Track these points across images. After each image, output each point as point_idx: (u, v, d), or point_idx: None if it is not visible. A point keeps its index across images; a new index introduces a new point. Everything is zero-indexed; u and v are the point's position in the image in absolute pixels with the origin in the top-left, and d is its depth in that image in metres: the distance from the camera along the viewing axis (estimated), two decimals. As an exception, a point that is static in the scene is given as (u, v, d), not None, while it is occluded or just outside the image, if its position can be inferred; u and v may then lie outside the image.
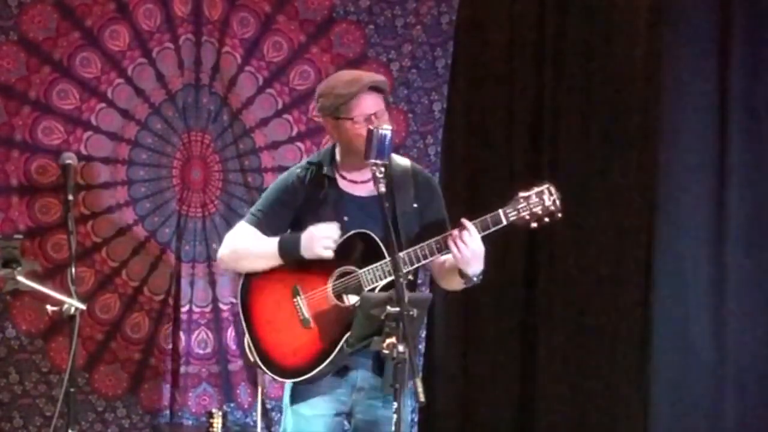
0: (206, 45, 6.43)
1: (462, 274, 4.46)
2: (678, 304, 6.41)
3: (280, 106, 6.56)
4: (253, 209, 4.64)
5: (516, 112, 6.76)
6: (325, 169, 4.55)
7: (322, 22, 6.56)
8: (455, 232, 4.40)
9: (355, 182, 4.52)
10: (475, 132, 6.79)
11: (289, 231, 4.59)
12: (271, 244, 4.49)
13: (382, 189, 4.22)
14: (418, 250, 4.42)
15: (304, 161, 4.69)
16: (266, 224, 4.56)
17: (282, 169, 6.46)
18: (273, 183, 4.70)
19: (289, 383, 4.57)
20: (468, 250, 4.39)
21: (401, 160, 4.64)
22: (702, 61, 6.40)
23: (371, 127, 4.31)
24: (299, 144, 6.57)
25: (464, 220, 4.42)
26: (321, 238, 4.42)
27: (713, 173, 6.39)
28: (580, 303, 6.60)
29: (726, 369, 6.34)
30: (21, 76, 6.26)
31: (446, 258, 4.51)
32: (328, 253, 4.42)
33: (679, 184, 6.43)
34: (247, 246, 4.54)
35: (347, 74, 4.63)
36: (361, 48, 6.59)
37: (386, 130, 4.30)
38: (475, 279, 4.47)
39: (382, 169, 4.25)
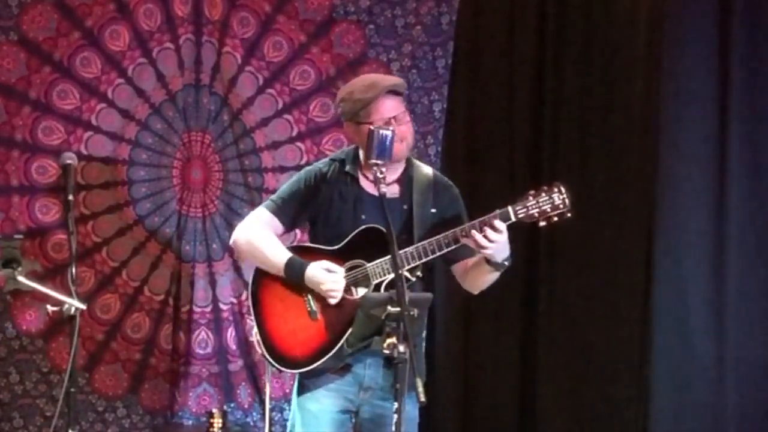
0: (206, 45, 6.44)
1: (489, 262, 4.47)
2: (678, 304, 6.41)
3: (280, 106, 6.56)
4: (274, 196, 4.68)
5: (516, 112, 6.76)
6: (348, 167, 4.58)
7: (322, 22, 6.57)
8: (479, 229, 4.40)
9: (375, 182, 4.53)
10: (475, 132, 6.80)
11: (308, 226, 4.68)
12: (280, 257, 4.52)
13: (383, 189, 4.24)
14: (426, 245, 4.43)
15: (327, 158, 4.71)
16: (285, 212, 4.61)
17: (282, 169, 6.49)
18: (296, 174, 4.72)
19: (295, 376, 4.59)
20: (494, 244, 4.41)
21: (424, 167, 4.67)
22: (702, 62, 6.39)
23: (372, 128, 4.33)
24: (299, 144, 6.58)
25: (495, 222, 4.41)
26: (329, 288, 4.45)
27: (713, 174, 6.38)
28: (580, 302, 6.59)
29: (726, 368, 6.33)
30: (21, 76, 6.26)
31: (467, 260, 4.55)
32: (333, 300, 4.46)
33: (679, 185, 6.43)
34: (261, 247, 4.57)
35: (366, 78, 4.66)
36: (361, 48, 6.59)
37: (387, 131, 4.32)
38: (505, 263, 4.50)
39: (383, 170, 4.27)
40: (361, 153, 4.60)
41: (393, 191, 4.50)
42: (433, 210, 4.57)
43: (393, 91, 4.53)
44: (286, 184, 4.71)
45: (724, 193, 6.36)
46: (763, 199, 6.35)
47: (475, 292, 4.70)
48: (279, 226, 4.62)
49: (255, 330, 4.57)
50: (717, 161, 6.39)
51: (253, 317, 4.58)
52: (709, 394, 6.36)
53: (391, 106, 4.51)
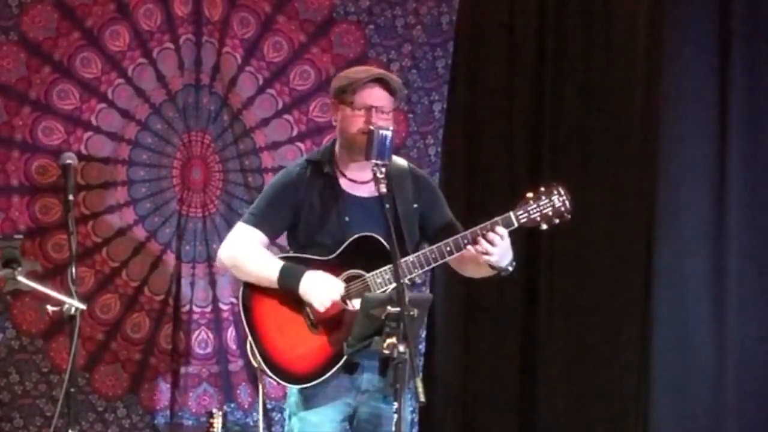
0: (206, 45, 6.44)
1: (492, 266, 4.46)
2: (678, 304, 6.41)
3: (280, 106, 6.56)
4: (251, 208, 4.61)
5: (516, 112, 6.76)
6: (326, 168, 4.53)
7: (322, 22, 6.57)
8: (483, 237, 4.38)
9: (355, 182, 4.51)
10: (475, 132, 6.80)
11: (287, 234, 4.61)
12: (272, 269, 4.45)
13: (383, 189, 4.22)
14: (428, 254, 4.40)
15: (301, 159, 4.67)
16: (265, 224, 4.54)
17: (282, 169, 6.47)
18: (270, 182, 4.68)
19: (296, 389, 4.53)
20: (498, 249, 4.40)
21: (399, 160, 4.63)
22: (702, 62, 6.40)
23: (372, 128, 4.32)
24: (299, 144, 6.58)
25: (498, 228, 4.40)
26: (323, 296, 4.39)
27: (713, 173, 6.39)
28: (580, 303, 6.60)
29: (726, 369, 6.34)
30: (21, 76, 6.26)
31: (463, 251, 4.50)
32: (322, 309, 4.40)
33: (679, 184, 6.43)
34: (249, 262, 4.50)
35: (368, 67, 4.64)
36: (361, 48, 6.59)
37: (387, 130, 4.31)
38: (510, 268, 4.48)
39: (383, 170, 4.26)
40: (337, 147, 4.56)
41: (373, 190, 4.38)
42: (415, 205, 4.55)
43: (386, 85, 4.49)
44: (261, 193, 4.66)
45: (724, 193, 6.37)
46: (763, 199, 6.35)
47: (474, 277, 4.68)
48: (263, 238, 4.54)
49: (252, 347, 4.48)
50: (717, 161, 6.39)
51: (248, 332, 4.50)
52: (709, 394, 6.37)
53: (376, 96, 4.46)
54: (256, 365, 4.51)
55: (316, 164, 4.56)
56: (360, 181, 4.48)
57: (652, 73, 6.48)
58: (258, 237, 4.54)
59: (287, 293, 4.44)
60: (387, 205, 4.38)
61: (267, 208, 4.55)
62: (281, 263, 4.46)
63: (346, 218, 4.47)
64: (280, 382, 4.51)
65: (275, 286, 4.45)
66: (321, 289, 4.39)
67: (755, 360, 6.33)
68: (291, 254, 4.59)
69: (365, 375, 4.49)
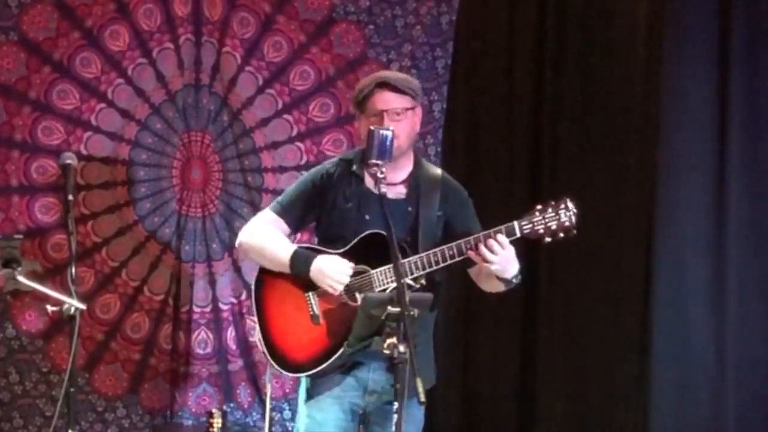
0: (206, 45, 6.44)
1: (500, 279, 4.47)
2: (678, 304, 6.41)
3: (280, 106, 6.56)
4: (280, 198, 4.66)
5: (515, 112, 6.76)
6: (355, 167, 4.56)
7: (322, 22, 6.57)
8: (484, 243, 4.39)
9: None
10: (474, 132, 6.79)
11: (314, 228, 4.66)
12: (285, 252, 4.50)
13: (383, 189, 4.23)
14: (431, 256, 4.41)
15: (336, 157, 4.70)
16: (290, 213, 4.59)
17: (282, 169, 6.49)
18: (304, 174, 4.71)
19: (297, 377, 4.59)
20: (498, 257, 4.40)
21: (434, 169, 4.65)
22: (702, 63, 6.40)
23: (372, 128, 4.32)
24: (299, 144, 6.58)
25: (499, 236, 4.40)
26: (333, 276, 4.43)
27: (713, 174, 6.39)
28: (580, 303, 6.60)
29: (726, 369, 6.34)
30: (21, 76, 6.27)
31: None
32: (334, 292, 4.44)
33: (679, 185, 6.43)
34: (265, 244, 4.56)
35: (378, 73, 4.66)
36: (361, 48, 6.59)
37: (387, 130, 4.31)
38: (514, 281, 4.48)
39: (383, 170, 4.26)
40: None
41: (399, 192, 4.49)
42: (439, 213, 4.55)
43: (391, 86, 4.51)
44: (292, 184, 4.69)
45: (724, 193, 6.37)
46: (763, 199, 6.35)
47: (490, 291, 4.68)
48: (285, 228, 4.60)
49: (257, 332, 4.55)
50: (717, 161, 6.39)
51: (255, 319, 4.56)
52: (709, 394, 6.37)
53: (383, 100, 4.48)
54: (261, 349, 4.54)
55: (348, 163, 4.60)
56: (387, 182, 4.47)
57: (651, 73, 6.48)
58: (279, 225, 4.60)
59: (297, 279, 4.49)
60: (410, 208, 4.46)
61: (293, 201, 4.61)
62: (295, 247, 4.52)
63: (366, 216, 4.49)
64: (278, 368, 4.52)
65: (287, 270, 4.49)
66: (332, 271, 4.43)
67: (755, 360, 6.33)
68: (303, 245, 4.65)
69: (372, 375, 4.49)
